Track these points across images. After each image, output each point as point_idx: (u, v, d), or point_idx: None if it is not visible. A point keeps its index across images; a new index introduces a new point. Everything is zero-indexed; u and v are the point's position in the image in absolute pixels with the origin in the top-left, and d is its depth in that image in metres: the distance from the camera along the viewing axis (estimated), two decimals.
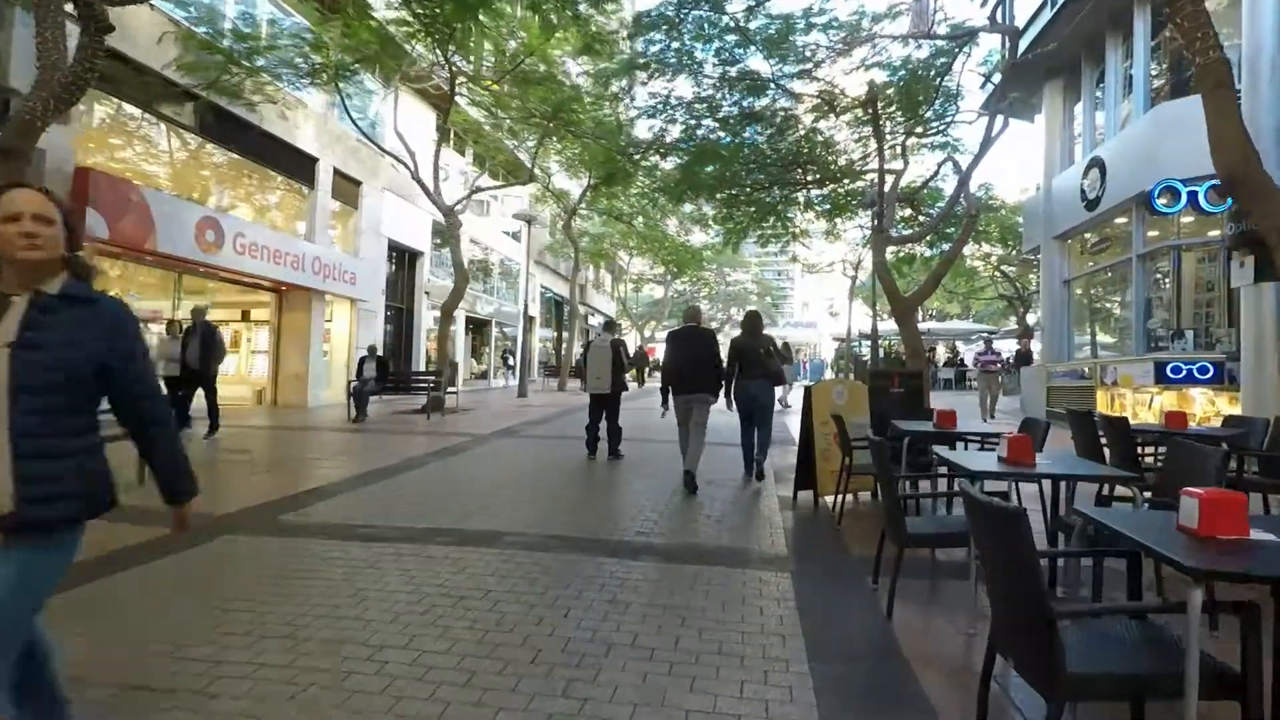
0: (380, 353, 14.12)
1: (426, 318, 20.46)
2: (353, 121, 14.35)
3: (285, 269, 13.94)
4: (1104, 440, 5.27)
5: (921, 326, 30.12)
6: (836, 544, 4.87)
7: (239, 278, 13.56)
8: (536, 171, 21.55)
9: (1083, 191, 12.90)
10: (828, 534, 5.14)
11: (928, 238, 19.22)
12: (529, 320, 30.91)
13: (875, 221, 13.56)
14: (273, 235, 13.87)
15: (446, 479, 6.85)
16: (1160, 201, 9.91)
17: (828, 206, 18.54)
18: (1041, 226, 14.94)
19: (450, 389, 14.55)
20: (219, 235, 12.28)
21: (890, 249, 18.42)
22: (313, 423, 11.86)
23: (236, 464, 7.51)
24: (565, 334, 36.67)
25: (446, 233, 14.53)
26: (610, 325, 9.33)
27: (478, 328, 26.84)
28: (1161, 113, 10.77)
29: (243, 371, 17.10)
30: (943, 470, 4.93)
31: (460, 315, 23.04)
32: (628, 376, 8.88)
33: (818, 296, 57.69)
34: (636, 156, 13.26)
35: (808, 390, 6.22)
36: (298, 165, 14.93)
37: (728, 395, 7.15)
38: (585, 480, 7.04)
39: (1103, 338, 14.24)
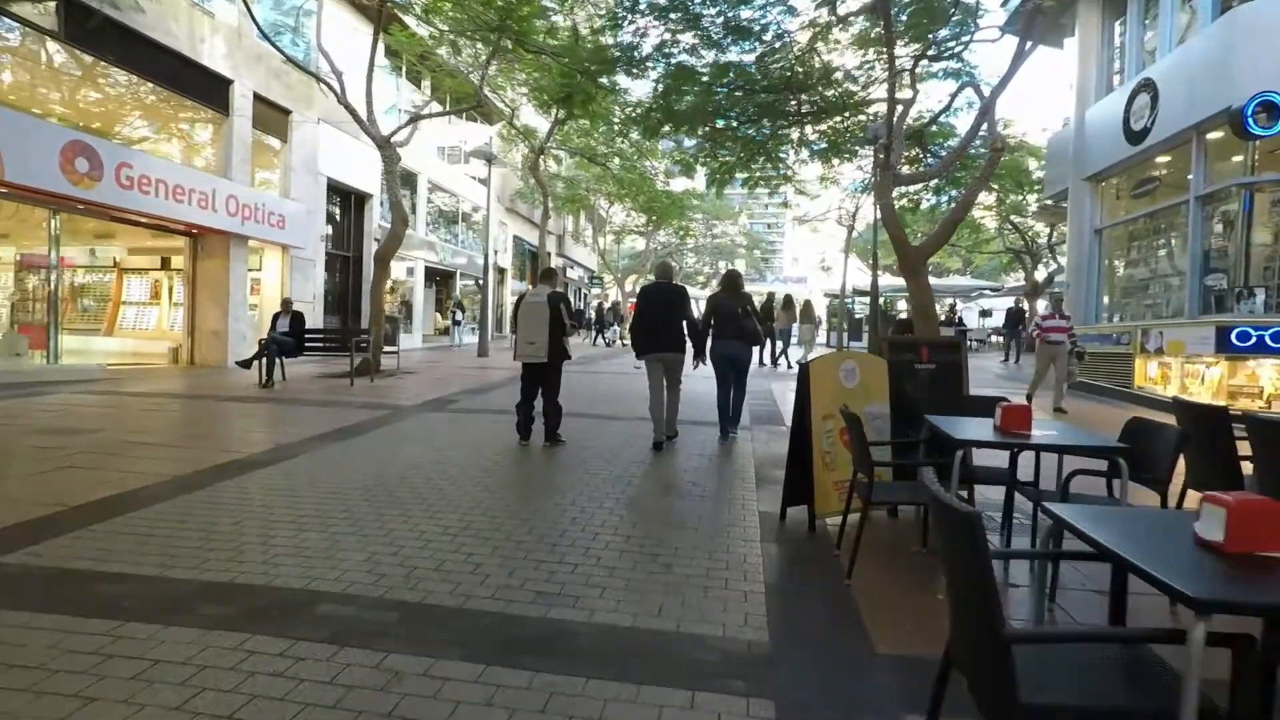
0: (316, 305, 12.16)
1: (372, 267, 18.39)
2: (261, 32, 12.10)
3: (190, 209, 11.86)
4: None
5: (946, 282, 28.26)
6: (847, 619, 3.08)
7: (129, 217, 11.47)
8: (502, 106, 19.29)
9: (1126, 122, 10.97)
10: (832, 596, 3.37)
11: (935, 182, 17.33)
12: (500, 273, 28.89)
13: (881, 158, 11.61)
14: (173, 169, 11.75)
15: (300, 484, 5.02)
16: (1257, 120, 8.00)
17: (824, 145, 16.52)
18: (1070, 167, 13.04)
19: (389, 348, 12.66)
20: (95, 165, 10.17)
21: (895, 193, 16.44)
22: (209, 389, 9.97)
23: (32, 453, 5.65)
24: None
25: (383, 167, 12.40)
26: (548, 274, 7.07)
27: (444, 280, 24.80)
28: (1239, 18, 8.79)
29: (163, 327, 15.12)
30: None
31: (420, 266, 21.00)
32: (582, 338, 6.92)
33: (809, 250, 55.67)
34: (596, 71, 11.13)
35: (804, 369, 4.40)
36: (205, 87, 12.69)
37: (699, 354, 7.04)
38: (498, 484, 5.24)
39: (1143, 297, 12.47)
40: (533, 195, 24.75)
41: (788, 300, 17.86)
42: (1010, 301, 35.48)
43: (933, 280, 26.75)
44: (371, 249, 18.10)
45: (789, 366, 16.57)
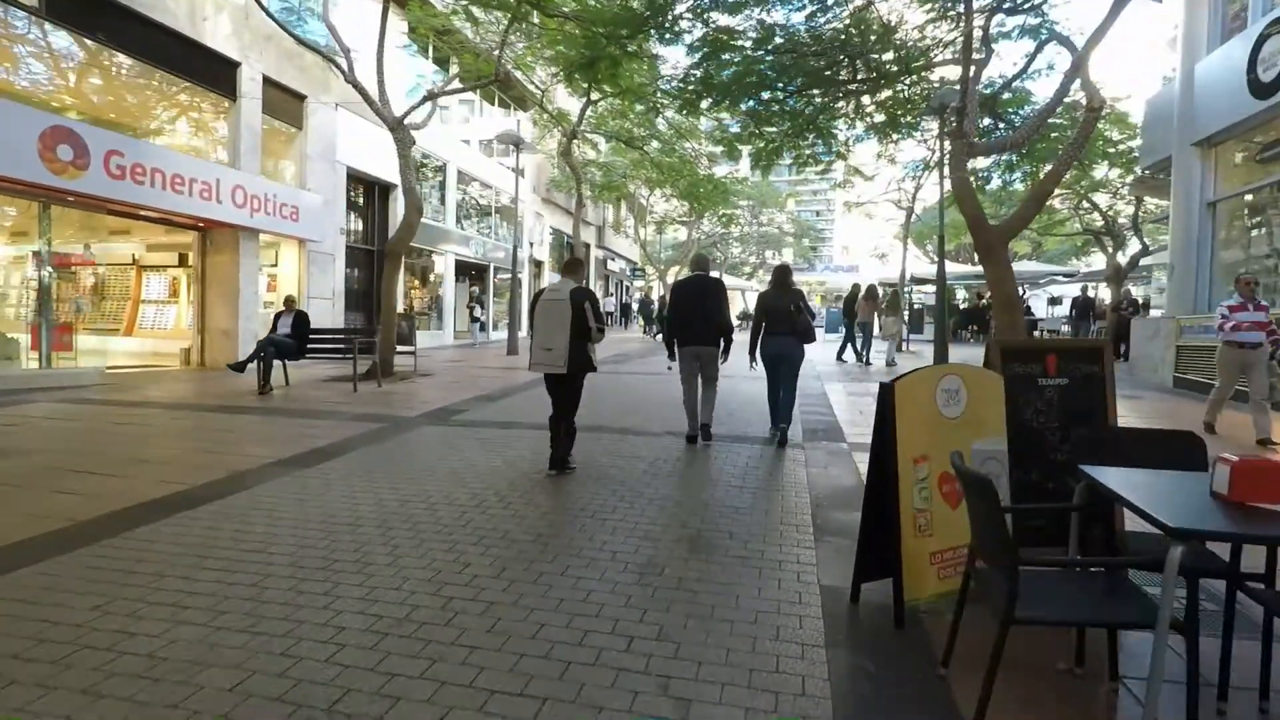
0: (323, 304, 11.25)
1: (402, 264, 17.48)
2: (262, 6, 11.17)
3: (192, 200, 11.02)
4: None
5: (981, 268, 26.25)
6: None
7: (124, 210, 10.69)
8: (532, 88, 18.17)
9: (1251, 73, 9.21)
10: None
11: (1007, 156, 15.58)
12: (537, 266, 27.89)
13: (953, 125, 10.07)
14: (172, 157, 10.90)
15: (219, 539, 3.93)
16: None
17: (881, 117, 14.95)
18: (1174, 132, 11.25)
19: (404, 349, 11.67)
20: (80, 153, 9.36)
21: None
22: (199, 396, 9.07)
23: None
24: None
25: (397, 151, 11.38)
26: (573, 265, 5.68)
27: (479, 275, 23.90)
28: None
29: (181, 326, 14.46)
30: None
31: (450, 259, 20.09)
32: (601, 342, 5.55)
33: (861, 238, 53.40)
34: (622, 34, 9.84)
35: (886, 391, 3.09)
36: (209, 70, 11.85)
37: (752, 351, 6.97)
38: (471, 539, 4.07)
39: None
40: (568, 184, 23.62)
41: (871, 290, 15.99)
42: (1078, 289, 33.14)
43: None
44: None
45: (865, 363, 15.15)
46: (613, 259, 38.55)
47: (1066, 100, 11.06)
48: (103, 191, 9.70)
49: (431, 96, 11.39)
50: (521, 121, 21.92)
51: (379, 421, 7.46)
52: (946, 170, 11.55)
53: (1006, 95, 13.36)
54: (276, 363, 9.79)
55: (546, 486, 5.06)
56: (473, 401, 8.97)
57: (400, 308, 17.27)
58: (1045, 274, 26.81)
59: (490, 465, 5.64)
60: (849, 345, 15.84)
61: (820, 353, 17.45)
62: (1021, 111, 14.01)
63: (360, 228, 16.75)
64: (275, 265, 14.24)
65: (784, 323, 6.58)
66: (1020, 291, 19.54)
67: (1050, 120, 12.16)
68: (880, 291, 16.38)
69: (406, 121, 11.54)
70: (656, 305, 25.01)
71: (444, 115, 19.76)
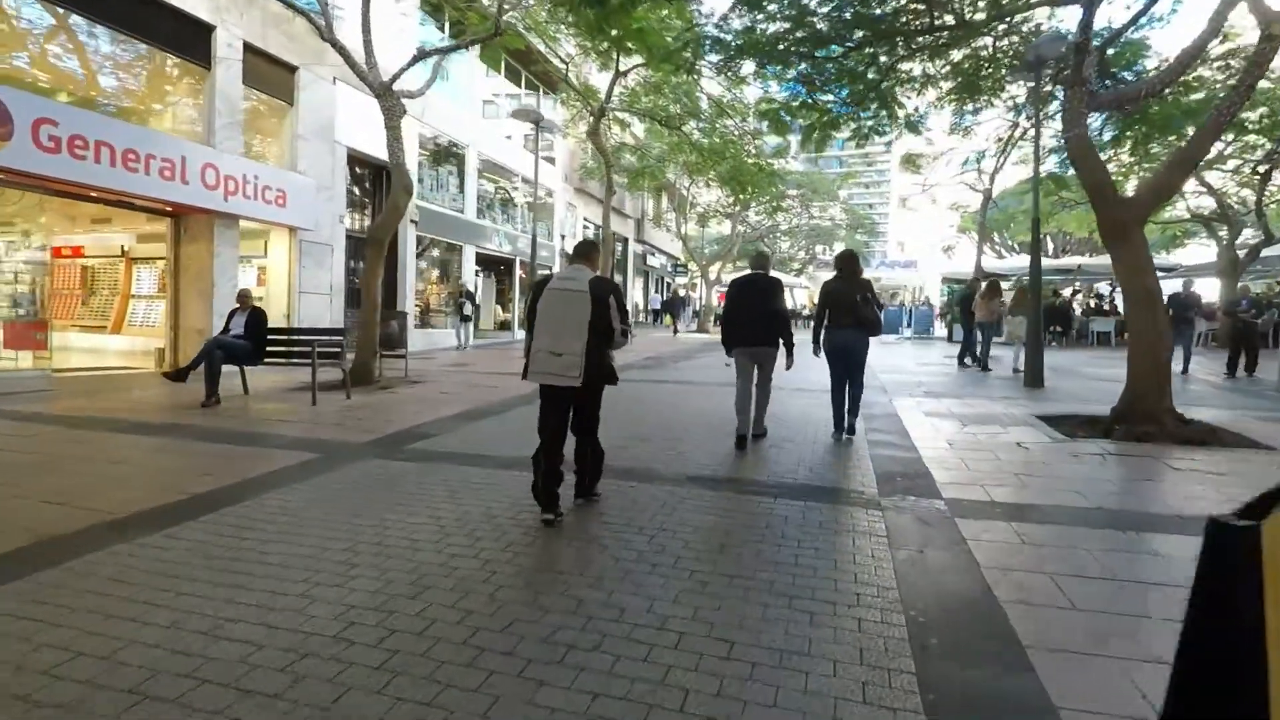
0: (259, 301, 9.63)
1: (411, 252, 15.91)
2: None
3: (150, 179, 9.54)
4: None
5: (1069, 261, 23.30)
6: None
7: (66, 189, 9.23)
8: (557, 63, 16.36)
9: None
10: None
11: (1103, 121, 13.13)
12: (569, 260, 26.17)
13: (1069, 73, 7.84)
14: (123, 129, 9.42)
15: None
16: None
17: (957, 79, 12.71)
18: None
19: (392, 352, 10.00)
20: (5, 123, 7.90)
21: (1048, 139, 12.36)
22: (128, 408, 7.47)
23: None
24: (617, 277, 31.77)
25: (385, 120, 9.69)
26: (586, 250, 4.41)
27: (506, 269, 22.31)
28: None
29: (164, 325, 13.11)
30: None
31: (470, 252, 18.47)
32: (621, 345, 4.00)
33: (917, 233, 50.36)
34: None
35: (1235, 535, 1.16)
36: (176, 32, 10.37)
37: (815, 342, 6.67)
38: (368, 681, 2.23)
39: None
40: (600, 172, 21.81)
41: (993, 285, 13.92)
42: (1175, 284, 29.82)
43: (1082, 260, 21.86)
44: (409, 231, 15.66)
45: (985, 370, 13.21)
46: (653, 254, 36.66)
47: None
48: (31, 166, 8.24)
49: (423, 55, 9.68)
50: (554, 106, 20.22)
51: (315, 450, 5.72)
52: (1050, 133, 9.33)
53: (1121, 47, 11.03)
54: (231, 369, 8.20)
55: (563, 540, 3.20)
56: (449, 421, 7.17)
57: (410, 305, 15.71)
58: None
59: (436, 521, 3.81)
60: (967, 350, 14.01)
61: (883, 357, 15.26)
62: (1135, 68, 11.64)
63: (365, 216, 15.23)
64: (264, 257, 12.77)
65: (849, 313, 6.30)
66: (1107, 290, 16.94)
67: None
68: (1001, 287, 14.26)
69: (400, 88, 9.86)
70: (690, 302, 22.89)
71: (463, 96, 18.16)
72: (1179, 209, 22.08)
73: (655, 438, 6.47)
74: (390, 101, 9.69)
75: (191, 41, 10.56)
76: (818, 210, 33.23)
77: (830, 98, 13.26)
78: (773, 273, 6.62)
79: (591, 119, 16.48)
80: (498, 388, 9.71)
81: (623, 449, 5.87)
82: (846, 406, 6.59)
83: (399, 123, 9.80)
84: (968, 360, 13.91)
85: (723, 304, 7.87)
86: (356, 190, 14.79)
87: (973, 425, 7.38)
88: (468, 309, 16.22)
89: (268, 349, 8.33)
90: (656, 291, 40.41)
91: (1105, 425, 7.11)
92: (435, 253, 17.94)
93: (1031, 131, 15.67)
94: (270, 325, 8.67)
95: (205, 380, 7.71)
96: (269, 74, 11.94)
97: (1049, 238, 34.70)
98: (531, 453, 4.09)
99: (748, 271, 6.60)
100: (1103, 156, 15.06)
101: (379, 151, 14.44)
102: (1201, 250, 32.68)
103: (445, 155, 17.60)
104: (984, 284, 14.18)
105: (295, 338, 8.51)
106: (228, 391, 8.20)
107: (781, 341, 6.12)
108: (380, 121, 9.72)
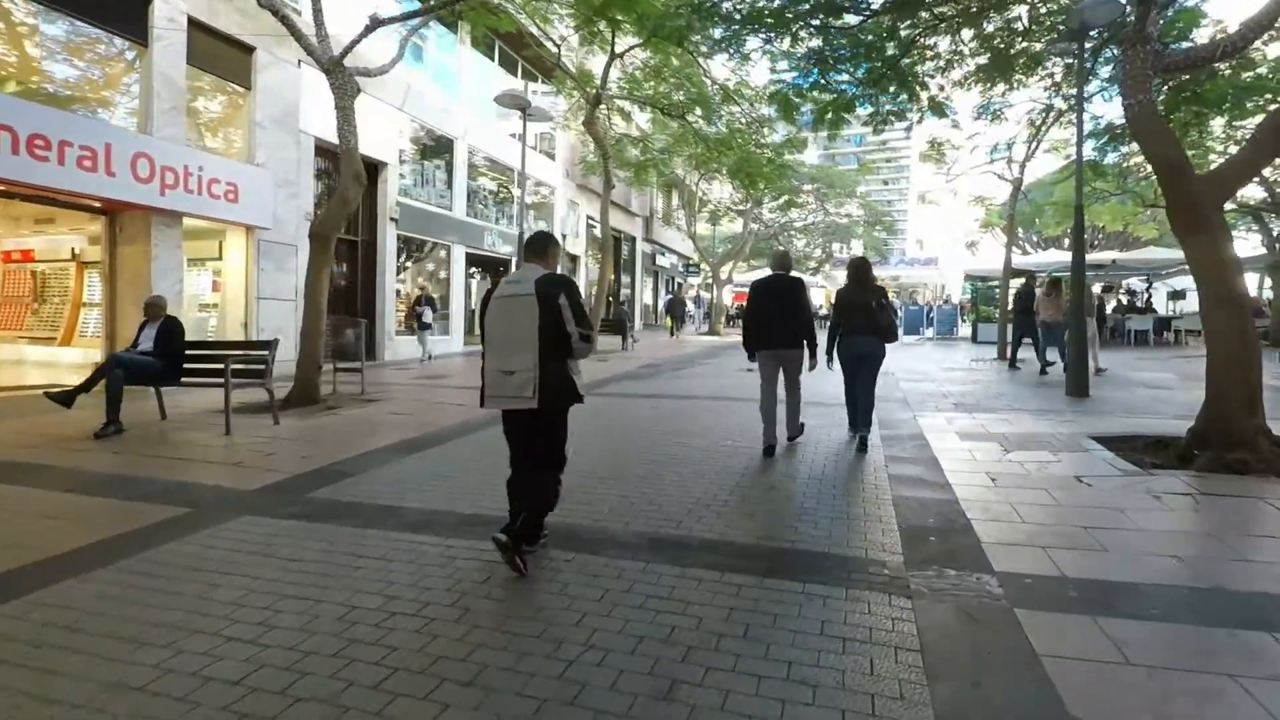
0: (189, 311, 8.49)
1: (390, 252, 14.74)
2: None
3: (64, 170, 8.45)
4: None
5: (1101, 256, 21.68)
6: None
7: None
8: (550, 45, 15.16)
9: None
10: None
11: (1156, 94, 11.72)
12: (572, 260, 24.96)
13: (1133, 30, 6.49)
14: (32, 111, 8.32)
15: None
16: None
17: (987, 55, 11.35)
18: None
19: (348, 365, 8.84)
20: None
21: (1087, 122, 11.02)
22: (21, 439, 6.35)
23: None
24: (623, 278, 30.56)
25: (335, 98, 8.53)
26: (539, 244, 3.64)
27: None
28: None
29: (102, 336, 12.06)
30: None
31: (459, 252, 17.31)
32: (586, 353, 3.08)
33: (937, 229, 48.68)
34: None
35: None
36: (106, 2, 9.27)
37: (829, 352, 6.45)
38: None
39: None
40: (600, 166, 20.59)
41: (1055, 283, 12.73)
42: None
43: (1116, 255, 20.25)
44: (388, 230, 14.53)
45: (1043, 373, 12.23)
46: (662, 254, 35.39)
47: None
48: None
49: (376, 24, 8.48)
50: (555, 98, 19.02)
51: (184, 502, 4.53)
52: (1089, 116, 7.96)
53: (1170, 14, 9.63)
54: (144, 389, 7.07)
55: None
56: (380, 455, 5.95)
57: (390, 310, 14.58)
58: (1171, 263, 22.09)
59: (244, 664, 2.57)
60: (1041, 354, 12.77)
61: (904, 361, 13.88)
62: (1190, 39, 10.23)
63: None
64: (220, 259, 11.66)
65: (864, 321, 6.19)
66: (1149, 284, 15.45)
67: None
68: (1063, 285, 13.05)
69: (358, 65, 8.71)
70: (691, 304, 21.53)
71: (452, 85, 17.02)
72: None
73: (627, 475, 5.21)
74: (341, 79, 8.53)
75: (123, 12, 9.45)
76: (834, 206, 31.73)
77: (844, 77, 11.97)
78: (793, 273, 6.43)
79: (587, 104, 15.24)
80: (464, 406, 8.50)
81: (580, 491, 4.62)
82: (859, 410, 6.33)
83: (351, 103, 8.63)
84: (1047, 364, 12.55)
85: (744, 306, 7.35)
86: (327, 185, 13.68)
87: (1016, 450, 6.06)
88: (428, 316, 14.37)
89: (185, 366, 7.15)
90: (668, 292, 39.15)
91: (1181, 450, 5.78)
92: (423, 252, 16.80)
93: (1066, 114, 14.26)
94: (225, 338, 7.53)
95: (105, 403, 6.56)
96: (221, 54, 10.83)
97: (1068, 232, 33.04)
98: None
99: (769, 272, 6.45)
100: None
101: (363, 142, 13.38)
102: (1239, 243, 30.84)
103: (432, 148, 16.46)
104: (1046, 280, 12.88)
105: (214, 353, 7.29)
106: (140, 417, 7.06)
107: (805, 342, 6.01)
108: (360, 111, 8.57)
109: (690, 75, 14.88)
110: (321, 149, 12.84)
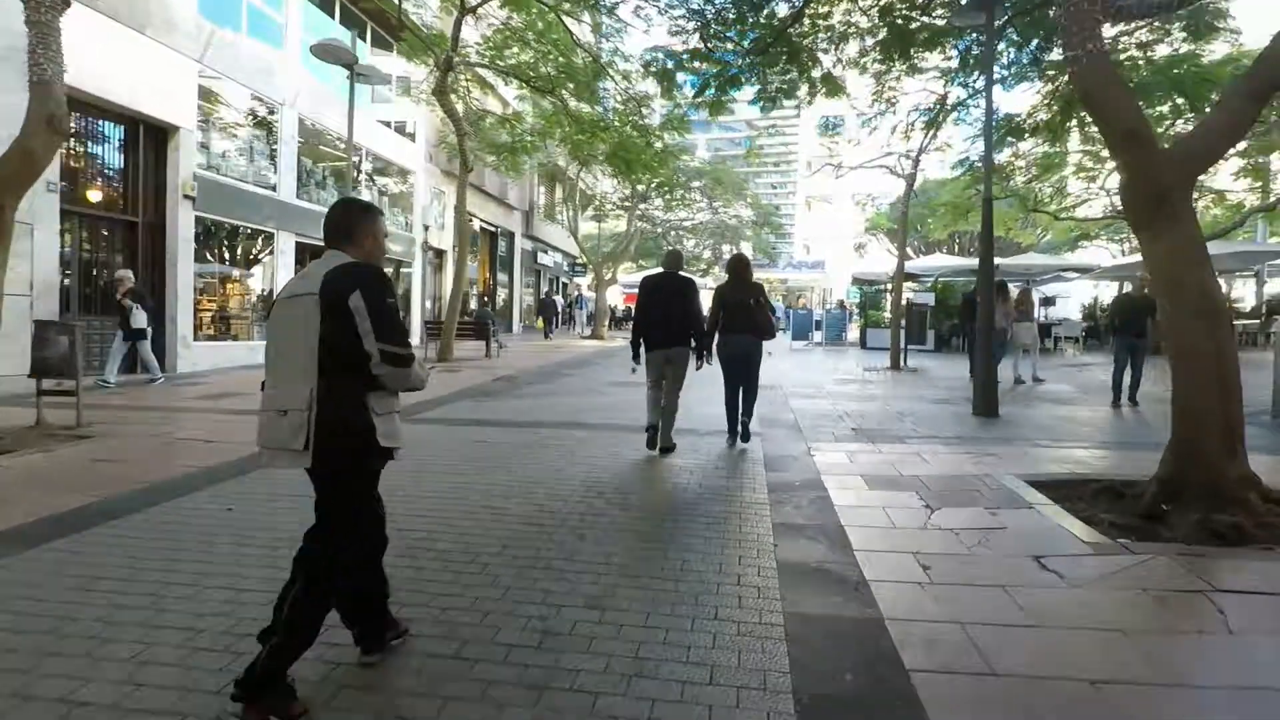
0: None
1: (185, 238, 11.95)
2: None
3: None
4: None
5: (1021, 261, 21.36)
6: None
7: None
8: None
9: None
10: None
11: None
12: (439, 255, 22.54)
13: None
14: None
15: None
16: None
17: (884, 25, 10.12)
18: None
19: (59, 385, 6.33)
20: None
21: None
22: None
23: None
24: (500, 276, 28.22)
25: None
26: (343, 219, 2.44)
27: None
28: None
29: None
30: None
31: (289, 243, 14.61)
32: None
33: (824, 232, 49.08)
34: None
35: None
36: None
37: (707, 350, 6.29)
38: None
39: None
40: (474, 150, 18.27)
41: (1001, 287, 11.70)
42: (1093, 286, 28.71)
43: (998, 260, 19.97)
44: (182, 211, 11.77)
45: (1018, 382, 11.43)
46: (545, 251, 33.28)
47: None
48: None
49: None
50: (405, 70, 16.57)
51: None
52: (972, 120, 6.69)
53: None
54: None
55: None
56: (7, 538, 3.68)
57: (186, 308, 11.83)
58: (1049, 269, 22.10)
59: None
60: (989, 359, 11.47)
61: (793, 371, 12.47)
62: None
63: (112, 186, 11.25)
64: None
65: (743, 319, 6.20)
66: (1026, 289, 14.91)
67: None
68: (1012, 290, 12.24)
69: None
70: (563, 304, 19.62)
71: (275, 41, 14.33)
72: (1095, 207, 20.61)
73: (422, 558, 3.21)
74: None
75: None
76: (722, 205, 30.59)
77: (729, 46, 10.46)
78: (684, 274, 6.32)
79: (436, 70, 12.98)
80: (212, 446, 6.18)
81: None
82: (740, 410, 6.36)
83: (52, 19, 6.11)
84: (1019, 376, 11.63)
85: (633, 305, 6.62)
86: (94, 148, 10.82)
87: (942, 508, 4.54)
88: (139, 319, 9.77)
89: None
90: (557, 293, 37.03)
91: (1148, 504, 4.45)
92: (243, 240, 14.01)
93: (965, 104, 13.42)
94: None
95: None
96: None
97: (955, 237, 33.56)
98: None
99: (662, 271, 6.32)
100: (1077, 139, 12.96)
101: (134, 100, 10.63)
102: (1099, 253, 32.16)
103: (249, 115, 13.73)
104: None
105: None
106: None
107: (692, 340, 5.96)
108: (140, 61, 6.08)
109: (558, 42, 12.94)
110: (86, 104, 9.98)
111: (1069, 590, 3.28)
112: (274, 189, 14.21)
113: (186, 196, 11.78)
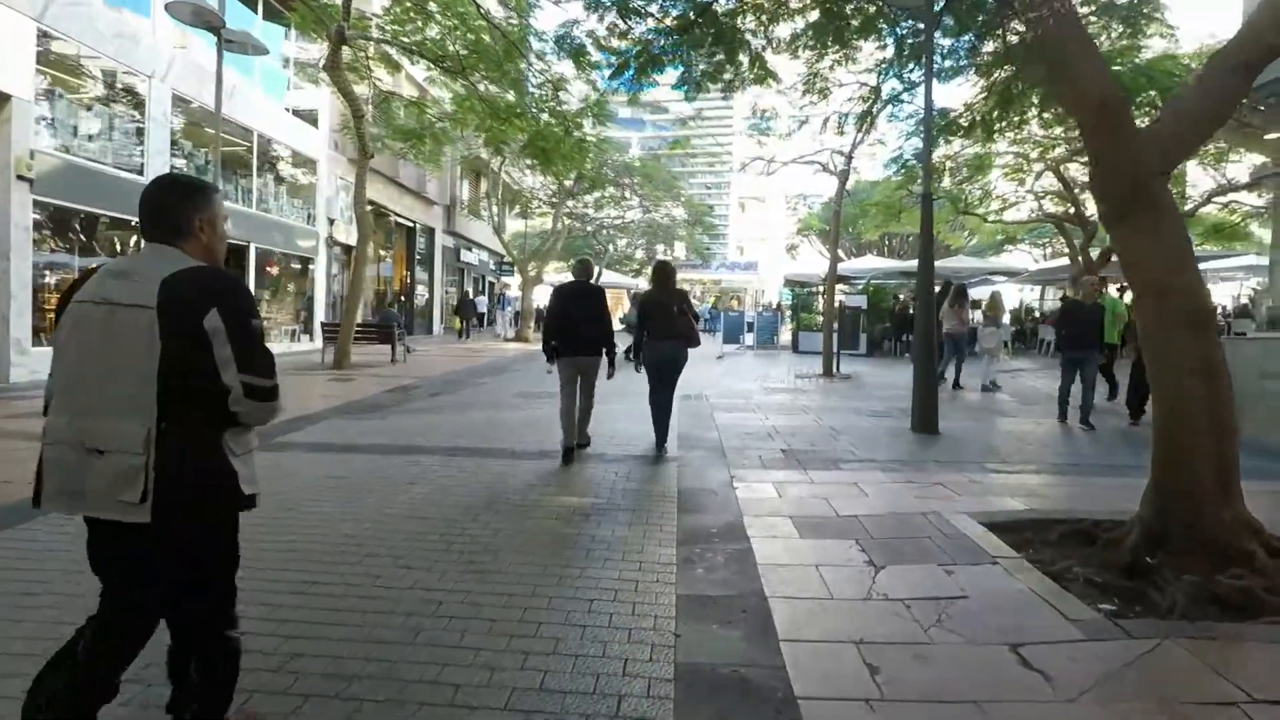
0: None
1: (22, 225, 10.25)
2: None
3: None
4: None
5: (913, 264, 21.26)
6: None
7: None
8: None
9: None
10: None
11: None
12: (346, 251, 20.90)
13: None
14: None
15: None
16: None
17: (817, 12, 9.35)
18: None
19: None
20: None
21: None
22: None
23: None
24: (419, 274, 26.63)
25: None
26: (167, 204, 1.85)
27: (237, 259, 16.67)
28: None
29: None
30: None
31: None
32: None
33: (757, 233, 48.95)
34: None
35: None
36: None
37: (636, 357, 6.79)
38: None
39: None
40: (381, 138, 16.79)
41: (960, 291, 11.61)
42: (1017, 289, 29.08)
43: (944, 261, 19.70)
44: (15, 192, 10.07)
45: (956, 387, 11.30)
46: (469, 248, 31.75)
47: None
48: None
49: None
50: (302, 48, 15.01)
51: None
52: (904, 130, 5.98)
53: None
54: None
55: None
56: None
57: (21, 306, 10.13)
58: (977, 271, 22.00)
59: None
60: (946, 366, 11.34)
61: (721, 379, 11.59)
62: None
63: None
64: None
65: (668, 326, 6.24)
66: (996, 295, 14.51)
67: None
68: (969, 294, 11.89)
69: None
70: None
71: (144, 8, 12.65)
72: (1022, 211, 20.62)
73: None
74: None
75: None
76: (653, 205, 29.72)
77: (650, 24, 9.50)
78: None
79: (329, 43, 11.58)
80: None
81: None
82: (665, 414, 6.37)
83: None
84: (947, 376, 11.27)
85: (546, 312, 6.18)
86: None
87: (888, 564, 3.68)
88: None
89: None
90: (482, 293, 35.48)
91: (1129, 553, 3.69)
92: (94, 231, 12.27)
93: (899, 95, 12.84)
94: None
95: None
96: None
97: (886, 239, 33.67)
98: None
99: (571, 279, 6.48)
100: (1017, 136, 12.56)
101: None
102: (1023, 257, 32.82)
103: (109, 88, 12.05)
104: (952, 289, 11.42)
105: None
106: None
107: (605, 350, 6.07)
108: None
109: (464, 16, 11.71)
110: None
111: (1064, 707, 2.41)
112: (141, 172, 12.52)
113: (21, 178, 10.07)
